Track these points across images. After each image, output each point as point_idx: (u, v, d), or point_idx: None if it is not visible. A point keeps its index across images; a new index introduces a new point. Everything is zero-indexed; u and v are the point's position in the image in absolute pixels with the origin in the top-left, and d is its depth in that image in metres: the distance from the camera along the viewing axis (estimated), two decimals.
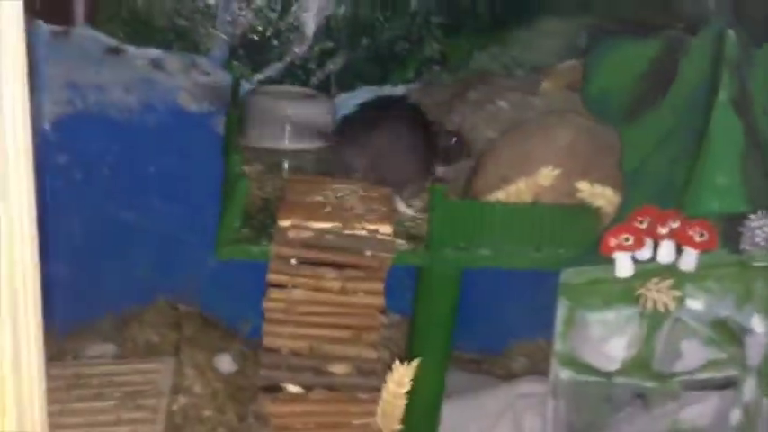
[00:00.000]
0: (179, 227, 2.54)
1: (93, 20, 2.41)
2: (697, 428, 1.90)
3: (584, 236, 1.88)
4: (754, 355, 1.86)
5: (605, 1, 2.54)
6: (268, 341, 1.80)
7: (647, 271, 1.81)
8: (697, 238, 1.79)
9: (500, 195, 1.93)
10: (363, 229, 1.83)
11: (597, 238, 1.82)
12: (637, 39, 1.99)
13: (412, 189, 2.05)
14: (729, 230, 1.81)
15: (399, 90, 2.58)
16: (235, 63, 2.49)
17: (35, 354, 1.02)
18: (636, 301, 1.82)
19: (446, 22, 2.57)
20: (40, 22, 2.37)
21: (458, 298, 1.95)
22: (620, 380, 1.86)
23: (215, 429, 2.21)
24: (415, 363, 1.77)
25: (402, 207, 2.01)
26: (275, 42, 2.51)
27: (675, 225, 1.78)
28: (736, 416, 1.89)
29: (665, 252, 1.80)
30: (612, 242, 1.78)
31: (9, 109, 0.91)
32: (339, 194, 1.95)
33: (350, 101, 2.55)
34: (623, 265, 1.80)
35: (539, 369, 2.33)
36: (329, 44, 2.53)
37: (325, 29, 2.52)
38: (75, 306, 2.53)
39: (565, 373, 1.85)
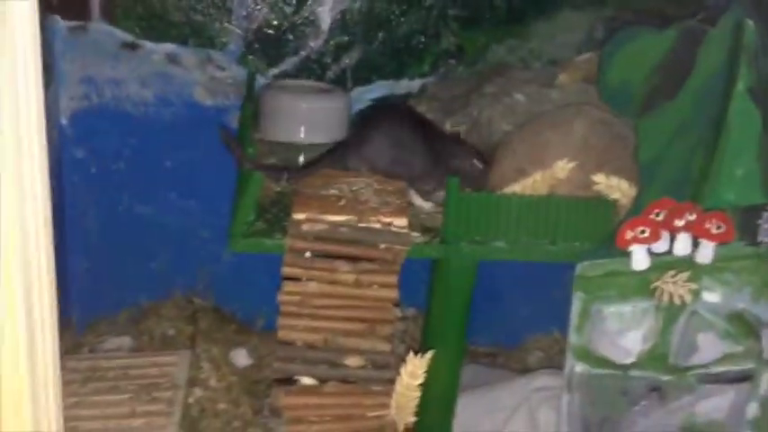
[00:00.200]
0: (195, 221, 2.55)
1: (109, 15, 2.42)
2: (713, 422, 1.88)
3: (600, 228, 1.87)
4: None
5: None
6: (283, 334, 1.80)
7: (663, 264, 1.80)
8: (714, 231, 1.77)
9: (516, 188, 1.92)
10: (378, 221, 1.83)
11: (613, 231, 1.81)
12: (653, 30, 1.97)
13: (429, 183, 2.04)
14: (746, 222, 1.80)
15: (416, 84, 2.58)
16: (250, 57, 2.49)
17: (50, 349, 1.02)
18: (652, 294, 1.81)
19: (462, 15, 2.57)
20: (57, 17, 2.39)
21: (472, 291, 1.94)
22: (635, 373, 1.85)
23: (230, 423, 2.22)
24: (429, 355, 1.77)
25: (417, 200, 2.00)
26: (291, 36, 2.51)
27: (692, 217, 1.76)
28: (752, 409, 1.87)
29: (682, 245, 1.79)
30: (628, 235, 1.77)
31: (24, 105, 0.92)
32: (354, 187, 1.95)
33: (366, 95, 2.56)
34: (639, 258, 1.79)
35: (554, 363, 2.33)
36: (345, 38, 2.53)
37: (341, 23, 2.51)
38: (91, 300, 2.55)
39: (580, 367, 1.84)
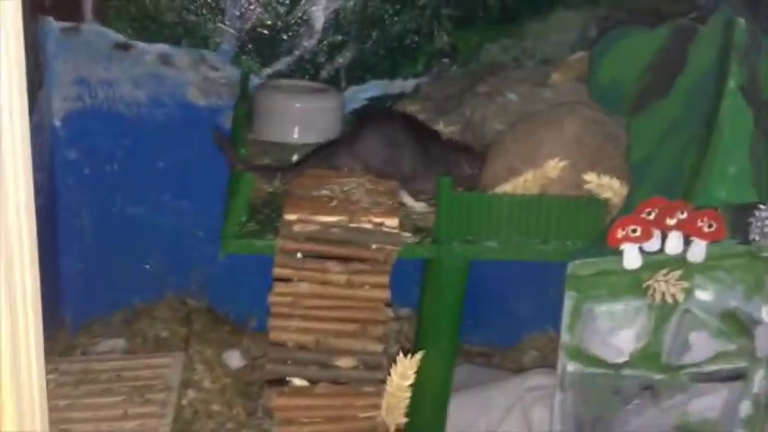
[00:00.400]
0: (188, 222, 2.55)
1: (101, 16, 2.42)
2: (706, 421, 1.88)
3: (592, 227, 1.87)
4: (763, 347, 1.84)
5: None
6: (274, 335, 1.80)
7: (655, 262, 1.80)
8: (705, 229, 1.77)
9: (507, 187, 1.91)
10: (369, 222, 1.82)
11: (605, 230, 1.81)
12: (644, 29, 1.97)
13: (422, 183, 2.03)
14: (738, 220, 1.80)
15: (409, 83, 2.58)
16: (244, 57, 2.49)
17: (34, 352, 1.01)
18: (644, 293, 1.81)
19: (456, 14, 2.57)
20: (50, 18, 2.39)
21: (465, 290, 1.94)
22: (628, 372, 1.85)
23: (224, 424, 2.22)
24: (419, 356, 1.76)
25: (408, 200, 2.00)
26: (284, 36, 2.51)
27: (683, 216, 1.76)
28: (745, 408, 1.87)
29: (674, 243, 1.79)
30: (620, 234, 1.77)
31: (6, 103, 0.92)
32: (345, 188, 1.94)
33: (359, 94, 2.56)
34: (631, 257, 1.79)
35: (550, 362, 2.32)
36: (338, 38, 2.53)
37: (335, 22, 2.52)
38: (85, 301, 2.55)
39: (572, 366, 1.84)
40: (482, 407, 2.23)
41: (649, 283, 1.80)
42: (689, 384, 1.86)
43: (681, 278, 1.80)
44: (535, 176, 1.90)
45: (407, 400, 1.76)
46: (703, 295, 1.82)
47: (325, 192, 1.92)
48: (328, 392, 1.77)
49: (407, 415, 1.79)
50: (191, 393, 2.23)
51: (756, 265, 1.82)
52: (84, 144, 2.48)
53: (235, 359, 2.42)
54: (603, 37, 2.05)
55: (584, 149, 1.93)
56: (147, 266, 2.58)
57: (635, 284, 1.80)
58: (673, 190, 1.77)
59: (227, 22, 2.47)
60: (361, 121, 2.14)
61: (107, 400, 2.07)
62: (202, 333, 2.46)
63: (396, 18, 2.54)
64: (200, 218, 2.53)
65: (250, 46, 2.49)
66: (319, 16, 2.51)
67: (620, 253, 1.78)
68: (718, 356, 1.85)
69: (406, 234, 1.87)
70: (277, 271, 1.79)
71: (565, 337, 1.83)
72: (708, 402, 1.87)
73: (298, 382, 1.79)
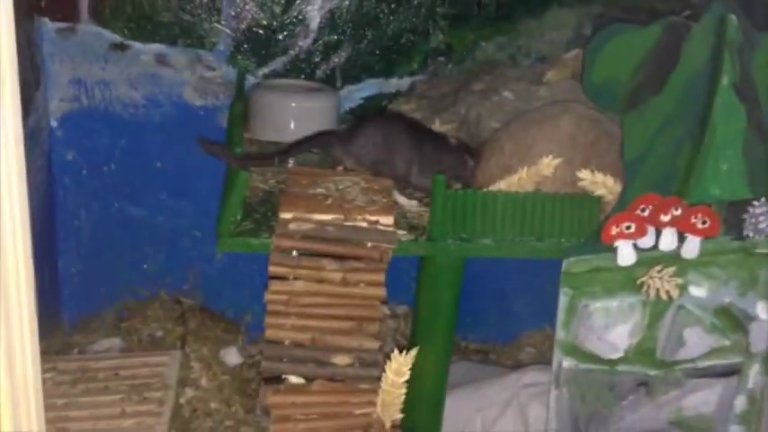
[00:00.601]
0: (185, 221, 2.55)
1: (97, 16, 2.42)
2: (701, 416, 1.89)
3: (586, 224, 1.88)
4: (758, 342, 1.85)
5: None
6: (270, 333, 1.80)
7: (649, 259, 1.81)
8: (699, 225, 1.78)
9: (501, 185, 1.92)
10: (364, 220, 1.83)
11: (599, 227, 1.82)
12: (637, 26, 1.97)
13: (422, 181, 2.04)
14: (732, 217, 1.81)
15: (405, 82, 2.58)
16: (240, 57, 2.50)
17: (29, 352, 1.02)
18: (638, 290, 1.82)
19: (451, 12, 2.57)
20: (45, 19, 2.39)
21: (460, 288, 1.94)
22: (623, 368, 1.86)
23: (222, 422, 2.22)
24: (414, 352, 1.77)
25: (401, 199, 2.00)
26: (280, 36, 2.51)
27: (677, 212, 1.77)
28: (740, 403, 1.88)
29: (668, 240, 1.80)
30: (614, 230, 1.78)
31: None
32: (341, 186, 1.95)
33: (355, 93, 2.56)
34: (625, 254, 1.80)
35: (546, 359, 2.32)
36: (334, 37, 2.53)
37: (330, 22, 2.52)
38: (83, 301, 2.55)
39: (567, 362, 1.85)
40: (478, 403, 2.24)
41: (644, 279, 1.81)
42: (684, 380, 1.87)
43: (675, 274, 1.81)
44: (529, 174, 1.90)
45: (403, 397, 1.77)
46: (697, 291, 1.83)
47: (320, 190, 1.93)
48: (324, 390, 1.78)
49: (403, 411, 1.79)
50: (188, 392, 2.23)
51: (750, 261, 1.83)
52: (81, 144, 2.48)
53: (232, 356, 2.43)
54: (597, 35, 2.06)
55: (579, 147, 1.93)
56: (145, 266, 2.59)
57: (629, 281, 1.81)
58: (666, 187, 1.78)
59: (222, 22, 2.48)
60: (360, 119, 2.14)
61: (105, 399, 2.07)
62: (198, 331, 2.46)
63: (391, 17, 2.54)
64: (196, 217, 2.53)
65: (246, 46, 2.50)
66: (315, 16, 2.52)
67: (614, 250, 1.79)
68: (713, 352, 1.86)
69: (401, 232, 1.88)
70: (273, 269, 1.80)
71: (560, 334, 1.84)
72: (703, 398, 1.88)
73: (294, 379, 1.80)
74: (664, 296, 1.81)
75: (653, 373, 1.86)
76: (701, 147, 1.74)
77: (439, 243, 1.88)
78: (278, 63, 2.53)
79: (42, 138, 2.40)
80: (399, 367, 1.74)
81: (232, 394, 2.29)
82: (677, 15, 1.99)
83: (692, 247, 1.80)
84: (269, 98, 2.35)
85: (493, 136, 2.09)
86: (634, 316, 1.82)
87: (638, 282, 1.81)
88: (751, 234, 1.82)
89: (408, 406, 1.82)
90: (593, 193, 1.88)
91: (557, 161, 1.90)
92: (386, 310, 1.84)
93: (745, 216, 1.81)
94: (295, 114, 2.32)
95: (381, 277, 1.82)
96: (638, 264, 1.80)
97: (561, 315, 1.83)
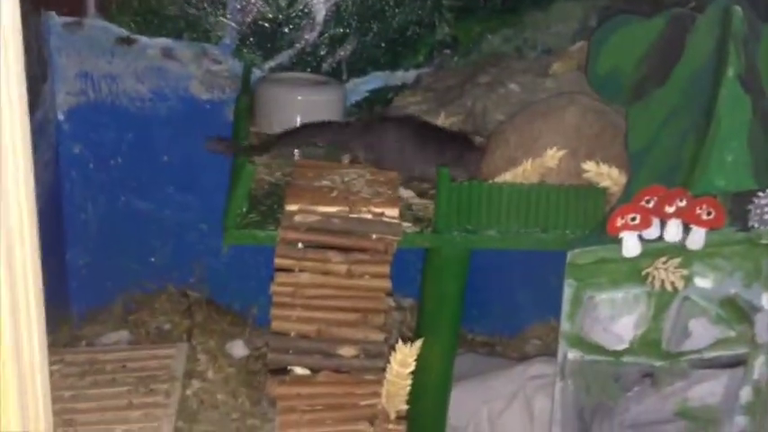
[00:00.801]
0: (191, 215, 2.56)
1: (104, 10, 2.43)
2: (707, 407, 1.89)
3: (591, 216, 1.88)
4: (763, 333, 1.85)
5: None
6: (276, 325, 1.81)
7: (654, 250, 1.81)
8: (704, 217, 1.78)
9: (507, 177, 1.92)
10: (369, 212, 1.83)
11: (604, 218, 1.82)
12: (642, 18, 1.97)
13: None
14: (737, 208, 1.81)
15: (411, 74, 2.59)
16: (245, 51, 2.50)
17: (37, 344, 1.02)
18: (643, 281, 1.82)
19: (457, 5, 2.57)
20: (52, 13, 2.40)
21: (465, 280, 1.94)
22: (628, 359, 1.86)
23: (229, 414, 2.23)
24: (418, 343, 1.77)
25: (405, 194, 2.00)
26: (286, 29, 2.52)
27: (682, 204, 1.77)
28: (746, 394, 1.88)
29: (673, 231, 1.80)
30: (619, 222, 1.78)
31: (6, 99, 0.93)
32: (346, 179, 1.95)
33: (361, 86, 2.57)
34: (630, 245, 1.80)
35: (552, 350, 2.32)
36: (340, 30, 2.54)
37: (336, 15, 2.52)
38: (90, 294, 2.57)
39: (573, 354, 1.85)
40: (485, 395, 2.24)
41: (649, 270, 1.81)
42: (689, 371, 1.88)
43: (680, 266, 1.81)
44: (534, 165, 1.90)
45: (408, 388, 1.77)
46: (703, 282, 1.83)
47: (325, 182, 1.93)
48: (329, 381, 1.79)
49: (408, 403, 1.80)
50: (195, 384, 2.25)
51: (755, 252, 1.83)
52: (88, 138, 2.50)
53: (238, 349, 2.44)
54: (602, 26, 2.06)
55: (584, 138, 1.93)
56: (152, 259, 2.60)
57: (634, 272, 1.81)
58: (671, 178, 1.78)
59: (228, 16, 2.48)
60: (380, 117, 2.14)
61: (112, 391, 2.08)
62: (205, 324, 2.47)
63: (396, 9, 2.54)
64: (203, 211, 2.54)
65: (252, 39, 2.50)
66: (320, 9, 2.52)
67: (619, 241, 1.79)
68: (718, 343, 1.86)
69: (407, 224, 1.88)
70: (278, 261, 1.80)
71: (565, 325, 1.85)
72: (708, 389, 1.88)
73: (299, 370, 1.80)
74: (669, 287, 1.81)
75: (658, 364, 1.86)
76: (706, 138, 1.74)
77: (444, 235, 1.88)
78: (284, 56, 2.53)
79: (49, 131, 2.41)
80: (404, 358, 1.75)
81: (238, 386, 2.30)
82: (682, 7, 1.98)
83: (697, 238, 1.80)
84: (275, 91, 2.35)
85: (498, 128, 2.09)
86: (639, 307, 1.82)
87: (644, 273, 1.81)
88: (756, 225, 1.82)
89: (414, 397, 1.82)
90: (598, 184, 1.88)
91: (562, 153, 1.90)
92: (391, 301, 1.84)
93: (750, 207, 1.80)
94: (301, 108, 2.32)
95: (386, 269, 1.82)
96: (643, 255, 1.80)
97: (566, 307, 1.83)
